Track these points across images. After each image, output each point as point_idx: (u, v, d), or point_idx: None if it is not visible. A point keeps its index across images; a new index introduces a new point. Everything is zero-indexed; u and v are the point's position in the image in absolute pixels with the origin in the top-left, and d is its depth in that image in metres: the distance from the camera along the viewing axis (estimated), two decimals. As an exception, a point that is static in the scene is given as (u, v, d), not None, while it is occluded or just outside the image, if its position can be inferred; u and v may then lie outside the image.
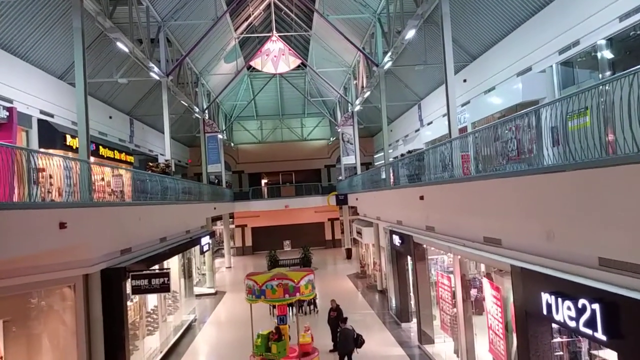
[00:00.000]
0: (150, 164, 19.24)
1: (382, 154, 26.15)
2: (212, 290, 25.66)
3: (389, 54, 18.65)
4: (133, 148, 26.80)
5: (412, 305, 17.05)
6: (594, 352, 8.60)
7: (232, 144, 43.79)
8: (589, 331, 5.81)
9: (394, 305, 18.47)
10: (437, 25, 20.15)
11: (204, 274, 28.26)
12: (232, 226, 42.41)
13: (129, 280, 11.62)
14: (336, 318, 14.09)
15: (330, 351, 14.12)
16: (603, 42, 12.25)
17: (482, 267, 11.87)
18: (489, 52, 18.94)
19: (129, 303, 13.71)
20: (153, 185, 15.56)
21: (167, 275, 11.46)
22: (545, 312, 6.77)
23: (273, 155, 44.16)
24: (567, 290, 6.35)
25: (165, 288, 11.50)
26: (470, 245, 10.30)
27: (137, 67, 20.61)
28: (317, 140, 45.80)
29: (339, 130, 33.23)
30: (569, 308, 6.20)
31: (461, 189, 10.81)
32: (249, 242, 42.89)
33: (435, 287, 14.62)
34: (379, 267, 22.95)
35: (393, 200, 17.99)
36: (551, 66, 14.58)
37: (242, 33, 29.01)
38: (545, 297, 6.76)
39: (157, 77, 19.58)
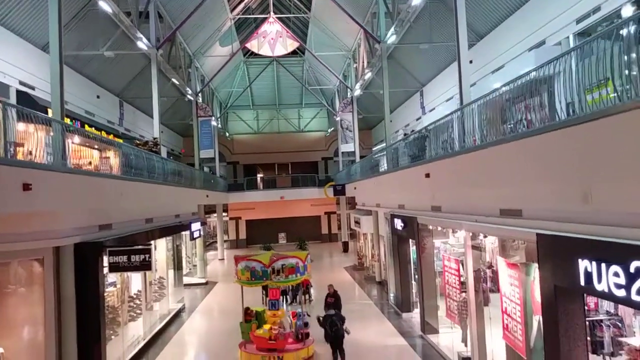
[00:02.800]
0: (137, 141, 18.12)
1: (381, 146, 25.16)
2: (203, 280, 24.57)
3: (393, 27, 17.59)
4: (123, 132, 25.65)
5: (414, 295, 16.07)
6: (622, 339, 7.68)
7: (227, 134, 42.64)
8: (645, 299, 4.79)
9: (393, 295, 17.46)
10: (443, 2, 19.26)
11: (195, 265, 27.18)
12: (226, 218, 41.34)
13: (107, 257, 10.54)
14: (334, 304, 13.04)
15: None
16: (629, 5, 11.25)
17: (487, 257, 10.88)
18: (498, 30, 17.95)
19: (111, 288, 12.70)
20: (139, 162, 14.49)
21: (148, 251, 10.38)
22: (583, 282, 5.74)
23: (269, 146, 43.00)
24: (613, 255, 5.32)
25: (146, 266, 10.42)
26: (484, 220, 9.27)
27: (125, 40, 19.49)
28: (315, 131, 44.66)
29: (338, 118, 32.14)
30: (616, 274, 5.18)
31: (472, 160, 9.80)
32: (243, 235, 41.75)
33: (440, 274, 13.65)
34: (378, 258, 21.92)
35: (394, 184, 16.97)
36: (567, 37, 13.59)
37: (238, 14, 27.90)
38: (584, 264, 5.73)
39: (146, 48, 18.44)
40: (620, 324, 7.83)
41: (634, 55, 5.26)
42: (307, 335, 12.17)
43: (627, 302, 5.16)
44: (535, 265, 7.98)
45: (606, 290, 5.36)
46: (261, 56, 33.26)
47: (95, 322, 10.18)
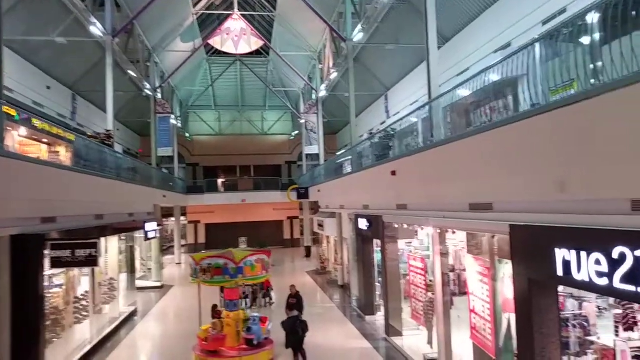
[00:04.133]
0: (89, 133, 17.07)
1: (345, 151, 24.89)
2: (158, 284, 23.46)
3: (360, 24, 17.35)
4: (75, 127, 24.29)
5: (377, 298, 15.72)
6: (591, 338, 7.50)
7: (188, 135, 41.37)
8: (629, 287, 4.51)
9: (356, 298, 17.06)
10: (410, 3, 19.20)
11: (150, 269, 25.96)
12: (185, 222, 40.05)
13: (49, 251, 9.63)
14: (296, 306, 12.48)
15: (287, 347, 12.45)
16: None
17: (451, 260, 10.64)
18: (464, 32, 18.00)
19: (56, 289, 11.72)
20: (90, 154, 13.54)
21: (94, 245, 9.55)
22: (561, 273, 5.46)
23: (231, 148, 41.97)
24: (594, 242, 5.05)
25: (92, 261, 9.59)
26: (452, 216, 8.99)
27: (79, 28, 18.40)
28: (279, 135, 43.99)
29: (302, 120, 31.68)
30: (597, 262, 4.90)
31: (438, 156, 9.52)
32: (202, 239, 40.53)
33: (404, 277, 13.35)
34: (341, 261, 21.50)
35: (359, 184, 16.61)
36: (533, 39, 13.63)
37: (201, 9, 27.11)
38: (562, 254, 5.45)
39: (100, 35, 17.41)
40: (586, 324, 7.66)
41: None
42: (251, 341, 11.27)
43: (609, 291, 4.89)
44: (506, 261, 7.74)
45: (586, 279, 5.08)
46: (224, 55, 32.53)
47: (34, 322, 9.27)
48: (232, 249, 12.06)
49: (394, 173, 12.08)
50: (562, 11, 12.31)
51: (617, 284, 4.66)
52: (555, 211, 5.93)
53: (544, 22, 13.06)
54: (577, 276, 5.20)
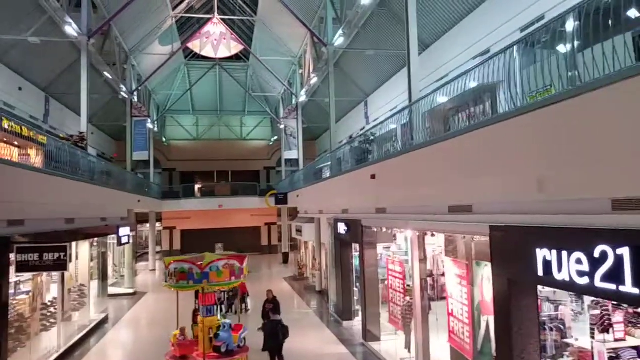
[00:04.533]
0: (62, 135, 16.57)
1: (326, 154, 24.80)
2: (131, 291, 22.86)
3: (341, 29, 17.33)
4: (47, 129, 23.61)
5: (355, 303, 15.58)
6: (568, 340, 7.50)
7: (164, 139, 40.71)
8: (610, 286, 4.47)
9: (334, 304, 16.88)
10: (391, 10, 19.31)
11: (122, 276, 25.29)
12: (160, 228, 39.31)
13: (14, 255, 9.22)
14: (273, 311, 12.22)
15: (263, 350, 12.18)
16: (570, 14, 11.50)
17: (429, 265, 10.59)
18: (443, 39, 18.14)
19: (22, 296, 11.25)
20: (61, 155, 13.09)
21: (63, 249, 9.17)
22: (541, 273, 5.40)
23: (208, 153, 41.44)
24: (575, 241, 5.00)
25: (60, 265, 9.21)
26: (432, 219, 8.92)
27: (53, 28, 17.92)
28: (257, 140, 43.65)
29: (282, 126, 31.49)
30: (578, 261, 4.85)
31: (417, 159, 9.48)
32: (177, 245, 39.78)
33: (383, 281, 13.25)
34: (319, 267, 21.31)
35: (338, 189, 16.50)
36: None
37: (180, 12, 26.78)
38: (542, 254, 5.40)
39: (75, 35, 16.96)
40: (562, 327, 7.66)
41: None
42: (219, 348, 10.92)
43: (590, 290, 4.84)
44: (485, 263, 7.69)
45: (567, 280, 5.03)
46: (203, 59, 32.18)
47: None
48: (207, 253, 11.74)
49: (373, 177, 12.00)
50: (540, 18, 12.48)
51: (598, 282, 4.61)
52: (535, 212, 5.89)
53: (522, 29, 13.23)
54: (558, 276, 5.15)
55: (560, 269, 5.12)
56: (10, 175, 10.04)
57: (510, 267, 6.28)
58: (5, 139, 12.16)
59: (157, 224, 36.73)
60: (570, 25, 5.85)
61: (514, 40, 12.69)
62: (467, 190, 7.88)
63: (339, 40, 18.37)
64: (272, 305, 12.55)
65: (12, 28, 17.52)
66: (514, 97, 6.44)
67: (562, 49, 6.03)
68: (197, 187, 38.58)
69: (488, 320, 7.70)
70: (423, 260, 10.08)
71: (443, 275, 9.94)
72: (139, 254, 37.08)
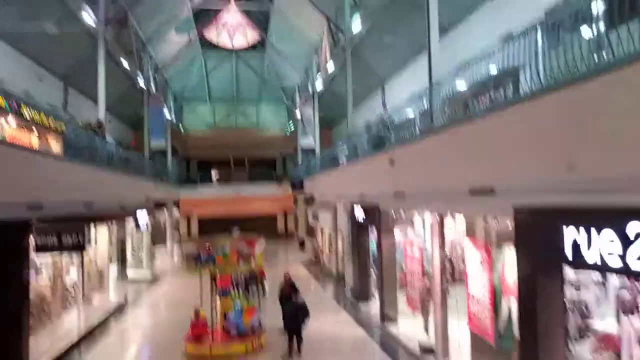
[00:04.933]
0: (80, 122, 16.69)
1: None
2: (149, 275, 23.12)
3: (359, 14, 17.05)
4: (66, 118, 23.86)
5: (372, 287, 15.53)
6: (590, 320, 7.31)
7: (181, 128, 40.89)
8: (645, 265, 4.29)
9: (351, 288, 16.87)
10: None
11: (141, 260, 25.58)
12: (177, 216, 39.63)
13: (34, 236, 9.31)
14: (295, 294, 12.16)
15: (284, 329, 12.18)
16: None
17: (447, 249, 10.44)
18: (462, 24, 17.74)
19: (43, 278, 11.42)
20: (80, 142, 13.15)
21: (82, 230, 9.22)
22: (571, 255, 5.22)
23: (225, 142, 41.45)
24: (606, 220, 4.81)
25: (78, 247, 9.30)
26: (453, 200, 8.74)
27: (71, 18, 17.97)
28: (274, 128, 43.62)
29: (298, 111, 31.35)
30: (611, 241, 4.66)
31: (438, 142, 9.29)
32: (194, 232, 40.12)
33: (400, 266, 13.16)
34: (335, 251, 21.28)
35: (355, 175, 16.37)
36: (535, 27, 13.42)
37: (197, 2, 26.68)
38: (571, 235, 5.22)
39: (92, 24, 16.96)
40: (585, 310, 7.48)
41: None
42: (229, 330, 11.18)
43: (623, 270, 4.65)
44: (507, 245, 7.52)
45: (597, 262, 4.85)
46: (220, 48, 32.13)
47: (18, 311, 8.93)
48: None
49: (392, 162, 11.85)
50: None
51: (632, 262, 4.43)
52: (563, 191, 5.69)
53: (547, 13, 12.83)
54: (588, 257, 4.97)
55: (589, 248, 4.94)
56: (30, 161, 10.11)
57: (536, 249, 6.10)
58: (25, 126, 12.28)
59: (175, 211, 37.05)
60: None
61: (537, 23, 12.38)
62: (489, 171, 7.68)
63: (356, 26, 18.08)
64: (291, 289, 12.49)
65: (31, 19, 17.64)
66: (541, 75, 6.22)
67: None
68: (213, 172, 38.70)
69: (510, 303, 7.55)
70: (442, 244, 9.94)
71: (462, 259, 9.79)
72: (157, 241, 37.38)
